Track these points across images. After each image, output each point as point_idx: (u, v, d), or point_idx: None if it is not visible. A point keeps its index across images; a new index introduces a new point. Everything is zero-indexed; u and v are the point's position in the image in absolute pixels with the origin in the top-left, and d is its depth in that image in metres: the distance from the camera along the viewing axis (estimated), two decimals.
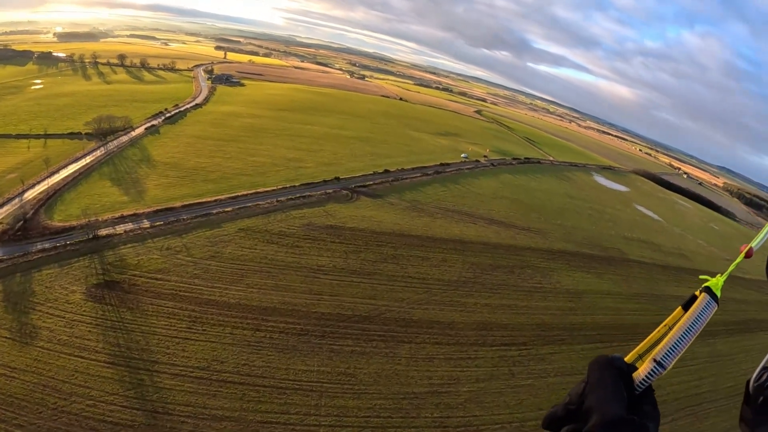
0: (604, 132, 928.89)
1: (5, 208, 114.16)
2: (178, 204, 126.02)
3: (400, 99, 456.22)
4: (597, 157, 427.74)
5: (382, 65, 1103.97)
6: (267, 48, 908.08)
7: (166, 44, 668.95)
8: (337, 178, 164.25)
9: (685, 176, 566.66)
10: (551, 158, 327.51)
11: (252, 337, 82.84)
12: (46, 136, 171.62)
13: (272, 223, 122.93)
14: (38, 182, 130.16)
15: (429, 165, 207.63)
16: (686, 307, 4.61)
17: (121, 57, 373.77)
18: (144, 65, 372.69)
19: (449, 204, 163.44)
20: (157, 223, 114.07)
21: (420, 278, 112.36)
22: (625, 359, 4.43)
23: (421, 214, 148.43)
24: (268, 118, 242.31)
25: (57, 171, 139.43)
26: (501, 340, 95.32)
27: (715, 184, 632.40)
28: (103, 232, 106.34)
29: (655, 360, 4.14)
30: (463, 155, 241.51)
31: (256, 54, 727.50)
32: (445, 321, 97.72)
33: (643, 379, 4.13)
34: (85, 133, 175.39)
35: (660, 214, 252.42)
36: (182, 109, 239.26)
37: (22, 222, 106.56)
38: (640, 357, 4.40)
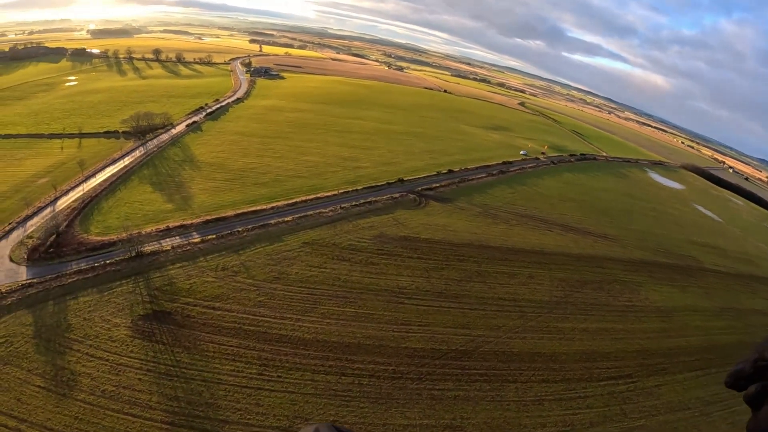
0: (644, 123, 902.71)
1: (35, 219, 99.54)
2: (230, 213, 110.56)
3: (444, 91, 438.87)
4: (645, 151, 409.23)
5: (417, 56, 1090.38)
6: (301, 40, 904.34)
7: (200, 38, 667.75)
8: (401, 180, 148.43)
9: (730, 170, 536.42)
10: (604, 154, 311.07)
11: (338, 384, 67.51)
12: (81, 135, 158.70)
13: (339, 234, 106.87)
14: (72, 188, 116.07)
15: (492, 164, 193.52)
16: None
17: (156, 52, 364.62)
18: (180, 59, 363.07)
19: (521, 208, 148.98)
20: (209, 237, 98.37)
21: (511, 300, 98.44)
22: None
23: (495, 221, 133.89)
24: (313, 113, 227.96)
25: (93, 175, 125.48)
26: (607, 373, 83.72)
27: (760, 179, 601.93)
28: (148, 248, 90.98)
29: None
30: (522, 152, 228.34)
31: (291, 46, 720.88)
32: (547, 352, 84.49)
33: None
34: (122, 132, 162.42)
35: (718, 213, 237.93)
36: (223, 104, 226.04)
37: (54, 236, 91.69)
38: None
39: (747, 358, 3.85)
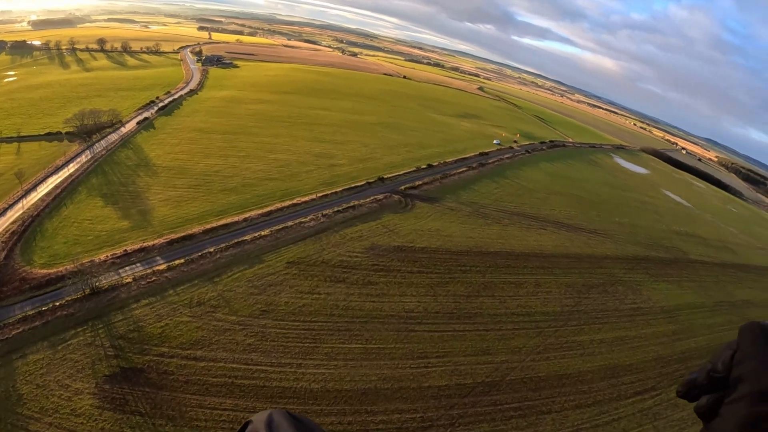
0: (594, 106, 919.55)
1: None
2: (197, 228, 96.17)
3: (404, 77, 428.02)
4: (605, 135, 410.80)
5: (369, 41, 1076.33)
6: (251, 27, 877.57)
7: (146, 27, 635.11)
8: (381, 179, 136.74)
9: (683, 152, 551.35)
10: (570, 140, 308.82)
11: None
12: (20, 138, 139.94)
13: (327, 249, 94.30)
14: (10, 206, 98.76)
15: (469, 156, 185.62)
16: None
17: (101, 42, 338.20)
18: (126, 49, 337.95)
19: (510, 205, 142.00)
20: (176, 262, 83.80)
21: (524, 314, 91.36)
22: None
23: (488, 221, 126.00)
24: (275, 104, 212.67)
25: (33, 188, 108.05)
26: (632, 389, 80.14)
27: (710, 159, 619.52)
28: (104, 282, 75.71)
29: None
30: (495, 141, 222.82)
31: (241, 33, 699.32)
32: (572, 372, 79.22)
33: None
34: (66, 133, 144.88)
35: (686, 199, 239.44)
36: (176, 96, 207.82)
37: None
38: None
39: (701, 368, 3.87)
